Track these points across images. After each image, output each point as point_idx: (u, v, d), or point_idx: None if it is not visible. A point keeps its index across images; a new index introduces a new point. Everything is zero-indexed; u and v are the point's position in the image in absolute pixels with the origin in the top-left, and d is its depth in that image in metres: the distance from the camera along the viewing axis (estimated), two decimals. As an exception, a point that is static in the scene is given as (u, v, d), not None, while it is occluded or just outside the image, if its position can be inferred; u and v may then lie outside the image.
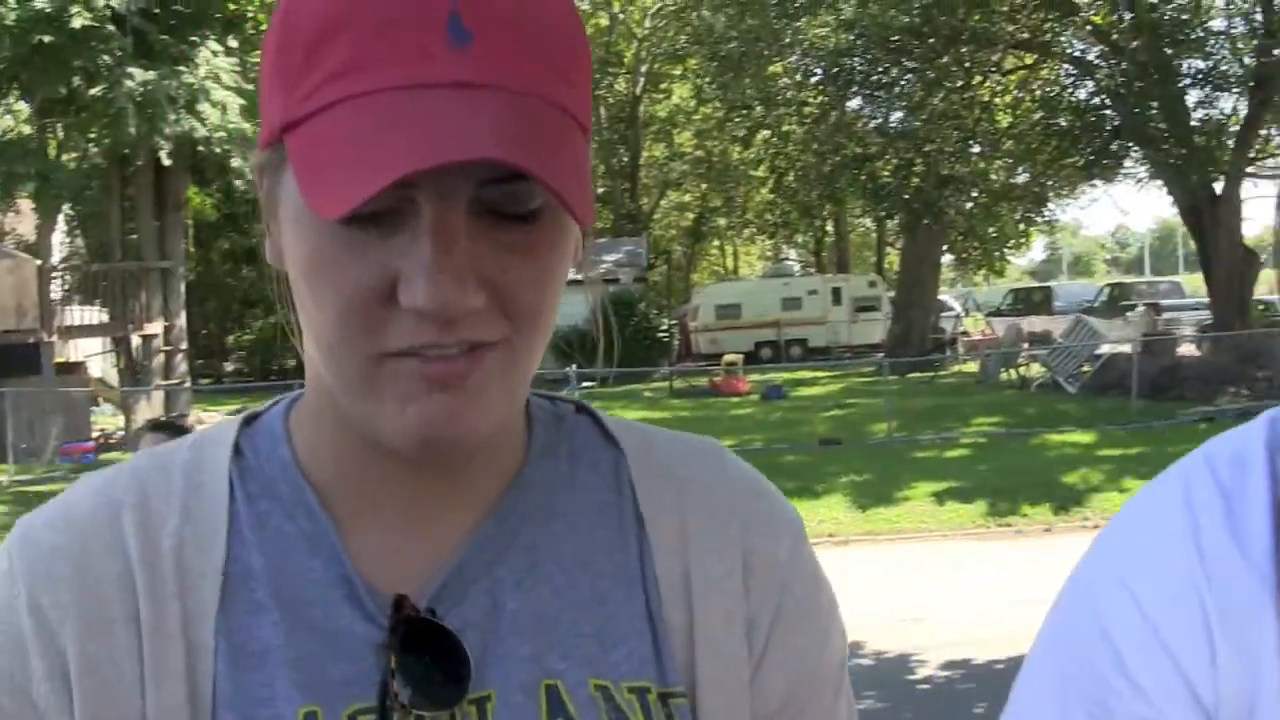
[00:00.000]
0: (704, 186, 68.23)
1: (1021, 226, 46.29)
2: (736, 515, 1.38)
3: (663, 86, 64.87)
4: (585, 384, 33.59)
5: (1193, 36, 35.52)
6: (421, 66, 1.09)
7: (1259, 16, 35.11)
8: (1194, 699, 1.26)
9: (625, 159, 64.81)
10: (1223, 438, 1.37)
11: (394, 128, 1.07)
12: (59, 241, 48.51)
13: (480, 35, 1.11)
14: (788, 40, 36.54)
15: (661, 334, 46.54)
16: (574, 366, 31.26)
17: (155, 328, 32.48)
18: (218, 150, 31.30)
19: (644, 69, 63.70)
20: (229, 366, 59.44)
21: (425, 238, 1.10)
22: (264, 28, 8.46)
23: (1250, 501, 1.28)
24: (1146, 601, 1.28)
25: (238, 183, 42.83)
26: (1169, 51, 35.16)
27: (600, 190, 66.41)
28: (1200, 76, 36.67)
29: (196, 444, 1.33)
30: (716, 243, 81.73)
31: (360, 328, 1.13)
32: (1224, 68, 36.43)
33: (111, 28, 28.45)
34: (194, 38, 30.44)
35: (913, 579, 12.94)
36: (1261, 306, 40.27)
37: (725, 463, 1.43)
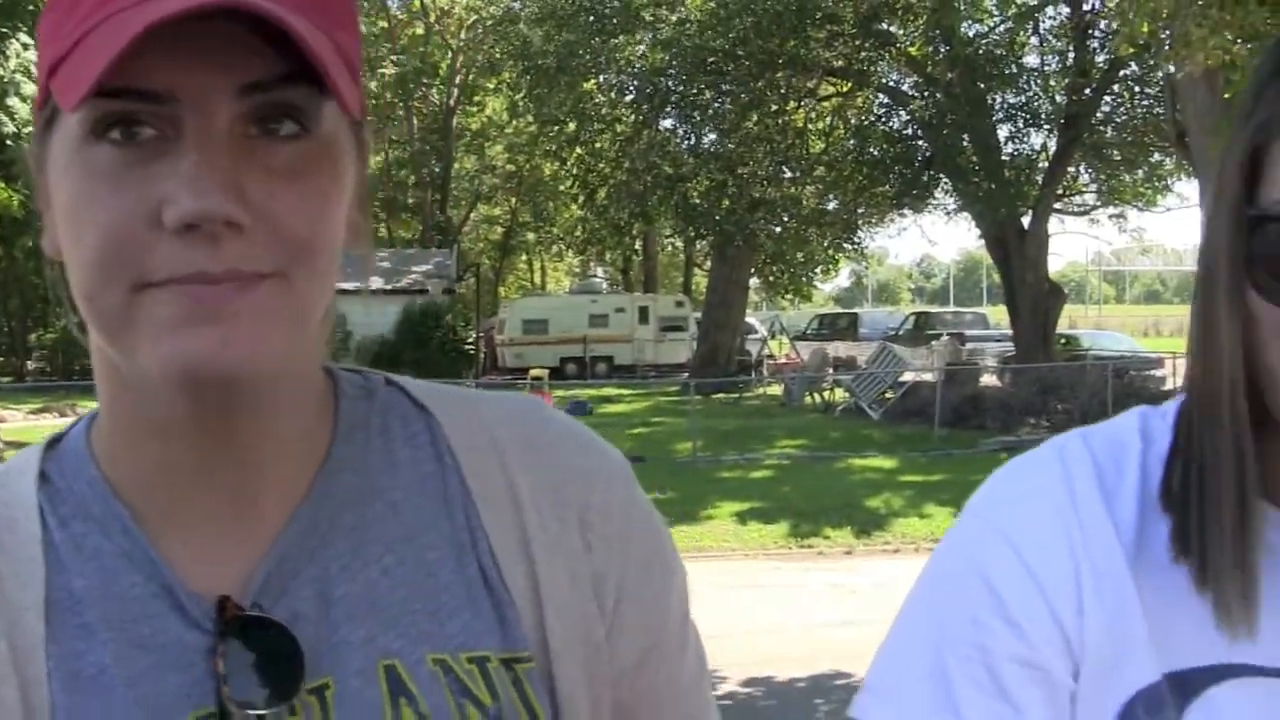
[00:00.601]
0: (514, 201, 68.54)
1: (830, 252, 46.93)
2: (566, 472, 1.37)
3: (477, 99, 65.07)
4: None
5: (1006, 72, 36.45)
6: None
7: (1071, 55, 36.00)
8: (1066, 644, 1.33)
9: (437, 170, 64.80)
10: (1097, 425, 1.46)
11: (134, 13, 1.05)
12: None
13: None
14: (603, 57, 36.70)
15: (468, 346, 46.59)
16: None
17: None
18: (27, 145, 30.84)
19: (458, 80, 63.76)
20: (31, 365, 58.65)
21: (187, 150, 1.08)
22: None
23: (1125, 480, 1.38)
24: (1027, 552, 1.35)
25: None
26: (982, 85, 36.04)
27: (410, 201, 66.39)
28: (1012, 111, 37.59)
29: (1, 478, 1.30)
30: (525, 257, 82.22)
31: (120, 260, 1.09)
32: (1036, 104, 37.36)
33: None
34: (3, 29, 29.96)
35: (715, 597, 13.02)
36: (1063, 340, 41.20)
37: (546, 419, 1.41)
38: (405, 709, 1.23)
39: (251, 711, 1.18)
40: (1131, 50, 27.88)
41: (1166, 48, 18.50)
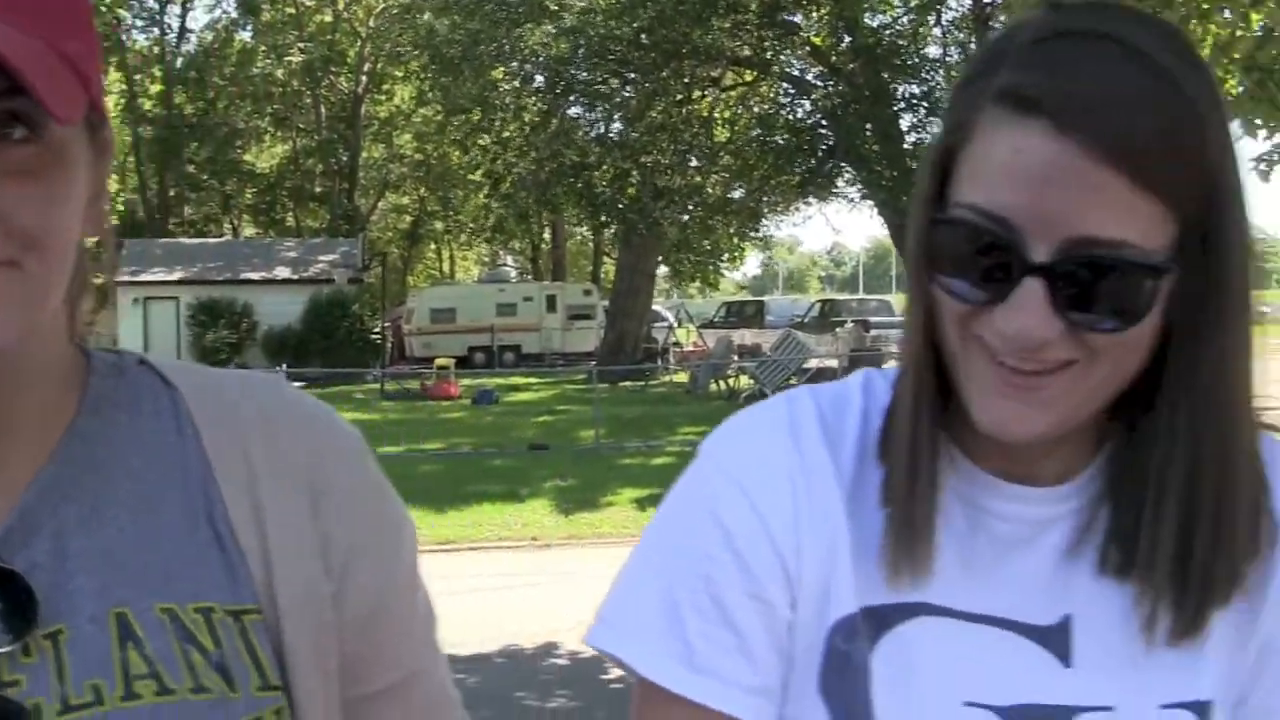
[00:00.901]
0: (422, 189, 68.23)
1: (736, 241, 47.00)
2: (299, 444, 1.47)
3: (385, 87, 64.75)
4: (295, 384, 33.27)
5: (908, 62, 36.59)
6: None
7: (973, 46, 36.19)
8: (786, 579, 1.46)
9: (344, 158, 64.47)
10: (826, 383, 1.60)
11: None
12: None
13: None
14: (508, 46, 36.65)
15: (375, 336, 46.41)
16: (284, 366, 31.00)
17: None
18: None
19: (366, 68, 63.45)
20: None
21: None
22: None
23: (846, 429, 1.52)
24: (753, 493, 1.47)
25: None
26: (885, 76, 36.17)
27: (317, 190, 65.99)
28: (914, 101, 37.72)
29: None
30: (434, 246, 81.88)
31: None
32: (938, 94, 37.47)
33: None
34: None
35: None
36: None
37: (284, 396, 1.52)
38: (132, 652, 1.32)
39: None
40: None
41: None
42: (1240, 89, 18.95)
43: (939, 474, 1.45)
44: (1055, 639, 1.48)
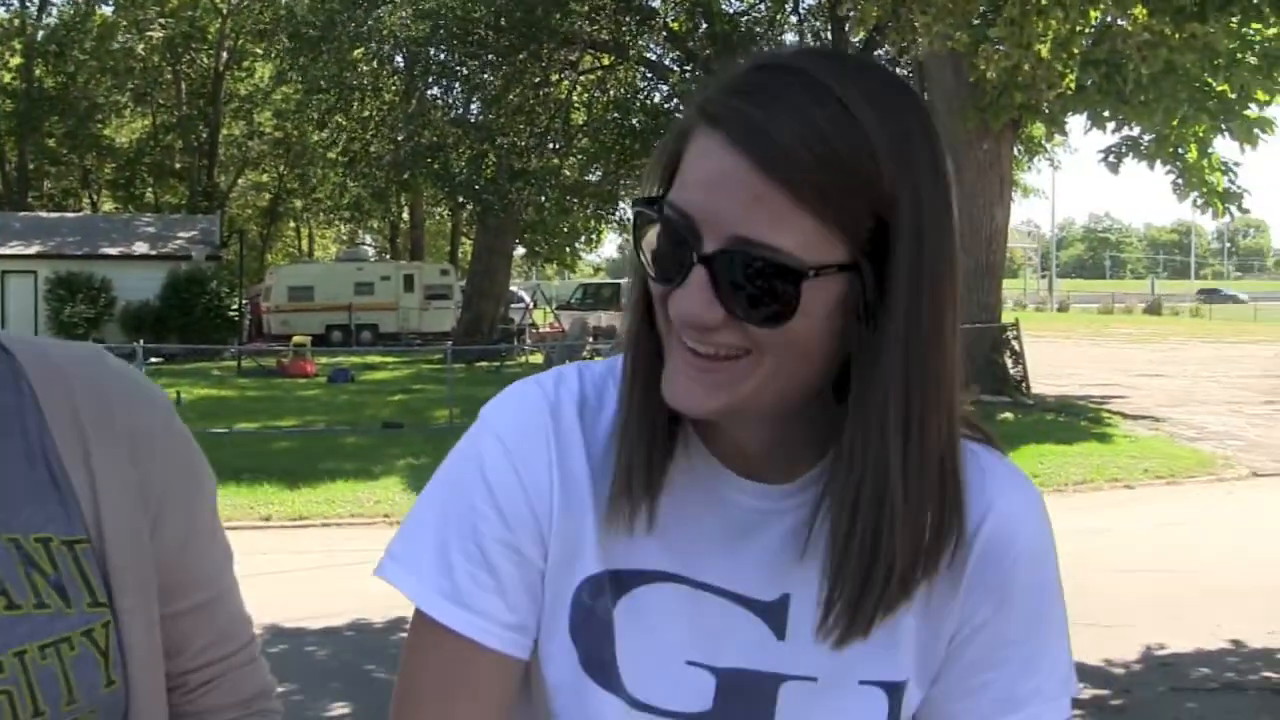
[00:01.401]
0: (282, 167, 67.69)
1: (593, 223, 47.11)
2: (118, 403, 1.74)
3: (246, 64, 64.13)
4: (152, 360, 33.10)
5: (765, 49, 36.80)
6: None
7: (829, 34, 36.59)
8: (539, 534, 1.66)
9: (204, 135, 63.86)
10: (600, 360, 1.77)
11: None
12: None
13: None
14: (366, 27, 36.55)
15: (232, 313, 46.10)
16: (141, 342, 30.82)
17: None
18: None
19: (227, 45, 62.87)
20: None
21: None
22: None
23: (604, 407, 1.70)
24: (515, 457, 1.66)
25: None
26: (741, 61, 36.40)
27: (177, 166, 65.29)
28: (768, 85, 38.03)
29: None
30: (293, 224, 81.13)
31: None
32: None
33: None
34: None
35: None
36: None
37: (105, 361, 1.78)
38: None
39: None
40: (863, 34, 28.59)
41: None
42: (1089, 82, 19.48)
43: (675, 445, 1.65)
44: (774, 614, 1.66)
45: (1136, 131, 21.54)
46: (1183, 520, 16.03)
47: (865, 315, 1.47)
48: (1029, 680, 1.69)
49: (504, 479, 1.66)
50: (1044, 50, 15.87)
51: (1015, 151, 32.07)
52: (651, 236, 1.52)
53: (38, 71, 63.07)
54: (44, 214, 56.29)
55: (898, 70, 35.58)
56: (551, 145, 38.66)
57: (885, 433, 1.50)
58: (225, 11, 61.77)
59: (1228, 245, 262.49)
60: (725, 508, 1.66)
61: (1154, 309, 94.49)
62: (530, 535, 1.66)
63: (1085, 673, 9.51)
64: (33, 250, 47.04)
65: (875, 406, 1.49)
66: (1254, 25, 17.79)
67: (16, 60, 63.29)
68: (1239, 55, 18.34)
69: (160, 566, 1.72)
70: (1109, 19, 17.39)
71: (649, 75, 39.56)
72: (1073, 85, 19.11)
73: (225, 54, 63.18)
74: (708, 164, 1.44)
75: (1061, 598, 1.73)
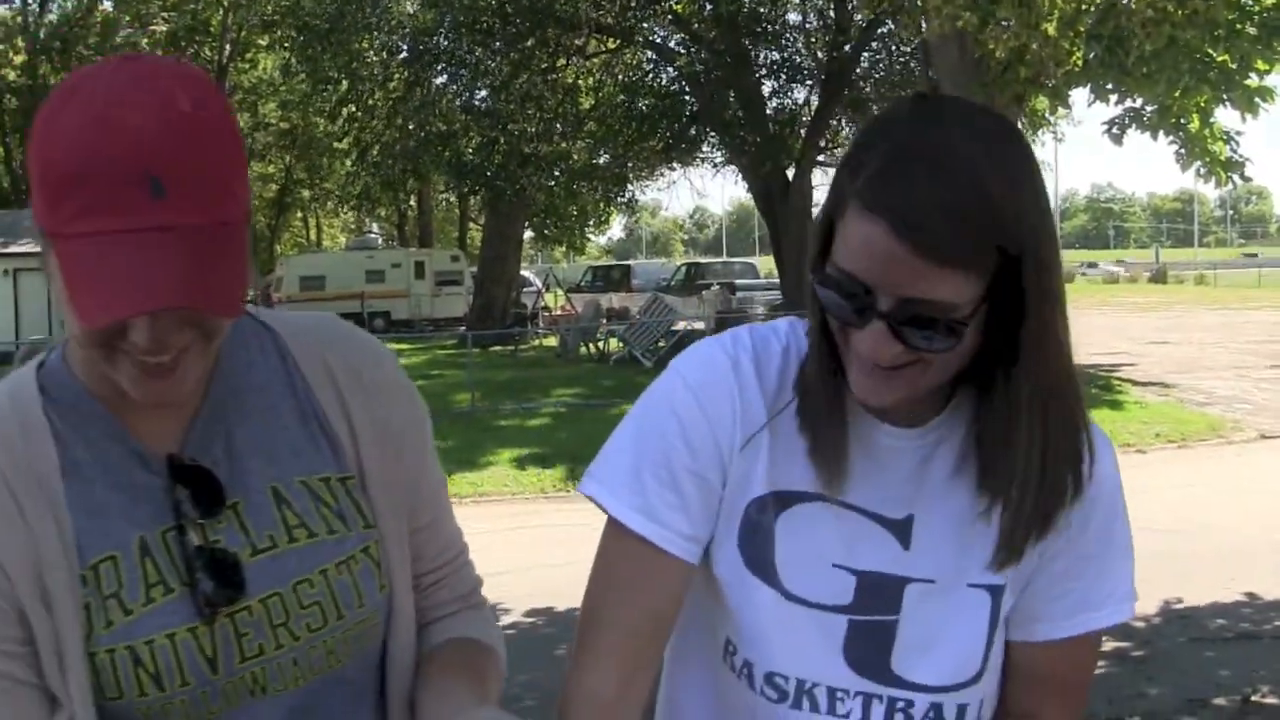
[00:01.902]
0: (289, 158, 67.65)
1: (602, 206, 47.17)
2: (360, 360, 2.13)
3: (249, 56, 64.02)
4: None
5: (770, 29, 36.83)
6: (133, 215, 1.68)
7: (832, 13, 36.71)
8: (721, 463, 2.08)
9: (208, 128, 63.69)
10: (760, 324, 2.20)
11: (115, 276, 1.67)
12: None
13: (172, 188, 1.69)
14: (374, 18, 36.68)
15: (245, 304, 46.07)
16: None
17: None
18: None
19: (231, 37, 62.80)
20: None
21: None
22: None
23: (771, 359, 2.12)
24: (702, 398, 2.08)
25: None
26: (746, 42, 36.50)
27: (182, 159, 65.02)
28: (775, 67, 38.17)
29: (11, 395, 1.95)
30: (300, 214, 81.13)
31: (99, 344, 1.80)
32: (798, 60, 37.96)
33: None
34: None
35: (497, 538, 13.47)
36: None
37: (339, 326, 2.17)
38: (286, 512, 1.98)
39: (199, 520, 1.92)
40: (871, 14, 28.79)
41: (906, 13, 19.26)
42: (1092, 55, 19.72)
43: (845, 412, 2.04)
44: (901, 530, 2.07)
45: (1139, 103, 21.73)
46: (1194, 482, 16.32)
47: (1004, 320, 1.86)
48: (1104, 587, 2.14)
49: (692, 416, 2.07)
50: (1051, 28, 16.21)
51: (1019, 125, 32.20)
52: (829, 291, 1.88)
53: (42, 69, 62.99)
54: (57, 211, 55.95)
55: (902, 48, 35.90)
56: (560, 130, 38.74)
57: (1033, 412, 1.93)
58: (227, 4, 61.63)
59: (1230, 213, 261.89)
60: (866, 444, 2.07)
61: (1159, 278, 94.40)
62: (713, 464, 2.08)
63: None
64: (44, 248, 46.63)
65: (1023, 392, 1.92)
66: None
67: (20, 58, 63.17)
68: (1239, 26, 18.60)
69: (404, 488, 2.12)
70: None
71: (655, 59, 39.65)
72: (1079, 63, 19.38)
73: (229, 46, 63.06)
74: (872, 247, 1.79)
75: (1128, 522, 2.17)
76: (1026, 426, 1.94)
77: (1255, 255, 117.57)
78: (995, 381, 1.95)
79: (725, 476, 2.09)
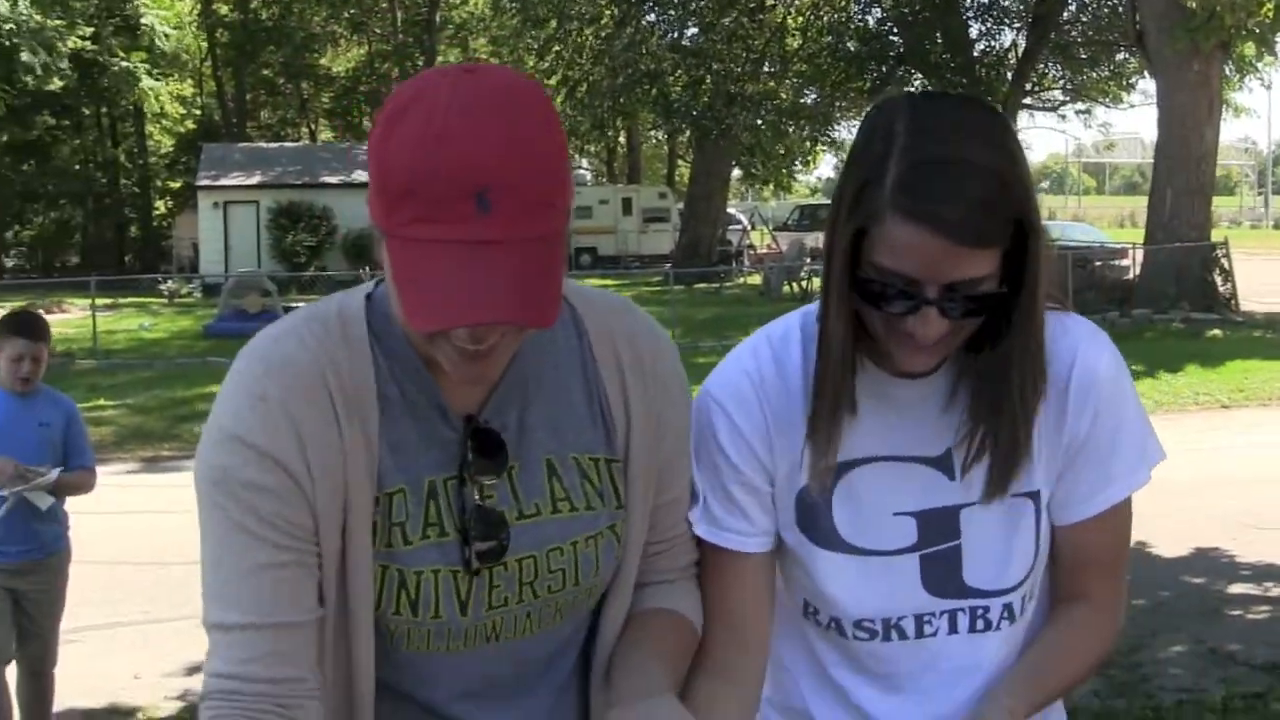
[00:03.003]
0: (499, 94, 67.92)
1: (809, 145, 47.14)
2: (645, 350, 2.26)
3: (461, -9, 64.55)
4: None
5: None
6: (461, 228, 1.81)
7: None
8: (763, 468, 2.34)
9: (420, 63, 64.43)
10: (774, 322, 2.44)
11: (443, 284, 1.81)
12: None
13: (497, 204, 1.80)
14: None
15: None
16: (367, 269, 31.45)
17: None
18: (5, 43, 30.45)
19: (443, -29, 63.29)
20: (9, 262, 58.47)
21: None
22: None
23: (790, 356, 2.36)
24: (736, 416, 2.34)
25: (25, 76, 41.78)
26: (954, -16, 36.17)
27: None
28: (983, 10, 37.85)
29: (342, 320, 2.09)
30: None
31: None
32: (1005, 3, 37.60)
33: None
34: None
35: None
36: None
37: (635, 313, 2.30)
38: (555, 483, 2.14)
39: (480, 478, 2.07)
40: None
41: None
42: None
43: (856, 376, 2.25)
44: (943, 463, 2.31)
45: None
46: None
47: (1010, 285, 2.12)
48: (1116, 466, 2.35)
49: (732, 438, 2.33)
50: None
51: (1226, 71, 31.58)
52: (870, 289, 2.10)
53: (254, 3, 64.05)
54: (264, 144, 57.41)
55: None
56: (767, 69, 38.72)
57: (1023, 347, 2.19)
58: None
59: None
60: (888, 400, 2.30)
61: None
62: (758, 471, 2.34)
63: (1276, 573, 9.77)
64: (254, 180, 48.06)
65: (1017, 333, 2.18)
66: None
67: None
68: None
69: (657, 470, 2.26)
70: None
71: (862, 0, 39.48)
72: (1271, 14, 18.93)
73: (441, -19, 63.54)
74: (917, 248, 2.03)
75: (1136, 400, 2.40)
76: (1019, 364, 2.20)
77: None
78: (991, 328, 2.19)
79: (772, 477, 2.36)
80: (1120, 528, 2.43)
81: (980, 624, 2.39)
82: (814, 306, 2.33)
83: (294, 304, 29.00)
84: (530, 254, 1.83)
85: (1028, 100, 38.58)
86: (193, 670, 8.51)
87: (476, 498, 2.09)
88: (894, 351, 2.18)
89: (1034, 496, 2.35)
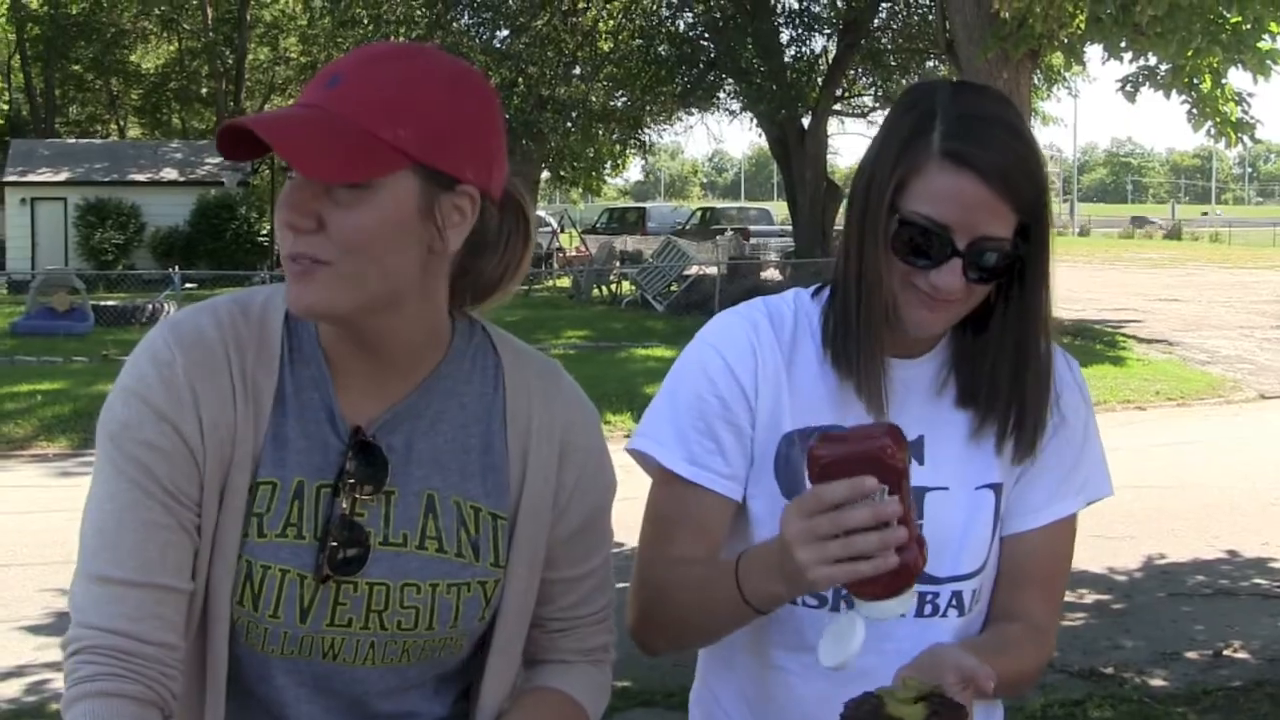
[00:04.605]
0: (309, 92, 67.24)
1: (619, 149, 47.24)
2: (560, 417, 2.26)
3: (270, -10, 63.83)
4: (187, 285, 33.49)
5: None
6: (308, 95, 2.00)
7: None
8: (749, 409, 2.42)
9: (230, 61, 63.75)
10: (773, 295, 2.54)
11: (267, 121, 1.95)
12: None
13: (344, 86, 1.97)
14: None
15: (262, 238, 46.15)
16: (176, 268, 31.30)
17: None
18: None
19: (252, -30, 62.59)
20: None
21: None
22: None
23: (785, 321, 2.47)
24: (728, 356, 2.42)
25: None
26: (766, -11, 36.52)
27: (204, 91, 65.00)
28: (793, 16, 38.26)
29: (263, 309, 2.14)
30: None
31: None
32: (816, 9, 38.07)
33: None
34: None
35: None
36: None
37: (561, 377, 2.31)
38: (430, 519, 2.12)
39: (355, 493, 2.08)
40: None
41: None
42: (1106, 13, 19.81)
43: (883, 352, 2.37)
44: (915, 448, 2.38)
45: (1153, 61, 21.84)
46: (1190, 440, 16.65)
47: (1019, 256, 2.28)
48: (1075, 480, 2.52)
49: (719, 372, 2.42)
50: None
51: (1035, 80, 32.30)
52: (903, 236, 2.24)
53: (63, -2, 62.97)
54: (71, 140, 55.92)
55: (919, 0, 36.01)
56: (578, 72, 38.82)
57: (1020, 327, 2.36)
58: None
59: (1249, 170, 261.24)
60: (886, 380, 2.39)
61: (1174, 234, 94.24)
62: (743, 412, 2.42)
63: (1089, 579, 10.18)
64: (61, 177, 46.79)
65: (1014, 312, 2.35)
66: (1266, -41, 18.11)
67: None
68: (1251, -11, 18.67)
69: (550, 543, 2.25)
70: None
71: (674, 3, 39.64)
72: (1083, 25, 19.45)
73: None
74: (961, 195, 2.19)
75: (1097, 429, 2.57)
76: (1015, 350, 2.37)
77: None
78: (987, 313, 2.36)
79: (754, 419, 2.42)
80: (1062, 547, 2.54)
81: (929, 608, 2.45)
82: (800, 291, 2.53)
83: (104, 301, 28.83)
84: (338, 125, 1.94)
85: (838, 106, 39.12)
86: (6, 675, 8.46)
87: (346, 509, 2.09)
88: (908, 314, 2.29)
89: (996, 489, 2.48)
